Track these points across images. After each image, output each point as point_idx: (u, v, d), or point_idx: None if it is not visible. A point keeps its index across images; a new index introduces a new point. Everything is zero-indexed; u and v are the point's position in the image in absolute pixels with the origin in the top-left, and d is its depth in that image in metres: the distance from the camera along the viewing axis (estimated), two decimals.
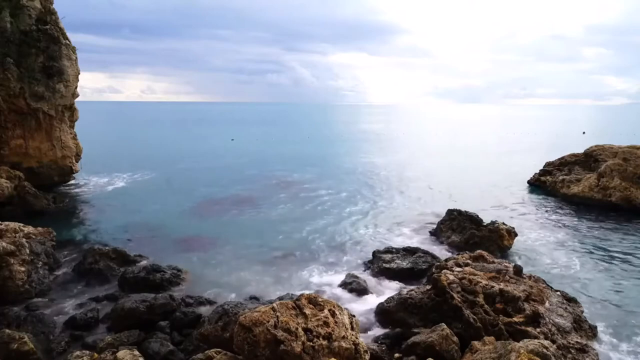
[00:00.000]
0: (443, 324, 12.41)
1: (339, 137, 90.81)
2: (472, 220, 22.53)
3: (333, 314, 10.82)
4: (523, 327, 12.33)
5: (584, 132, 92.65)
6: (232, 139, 75.10)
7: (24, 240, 17.32)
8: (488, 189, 35.87)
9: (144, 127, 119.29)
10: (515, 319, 12.61)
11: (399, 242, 22.55)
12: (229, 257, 20.45)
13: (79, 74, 33.32)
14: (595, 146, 34.93)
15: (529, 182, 37.11)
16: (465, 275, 14.31)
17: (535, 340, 10.34)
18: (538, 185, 35.81)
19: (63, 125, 32.82)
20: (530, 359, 9.19)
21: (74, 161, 34.15)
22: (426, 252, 19.52)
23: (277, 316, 10.24)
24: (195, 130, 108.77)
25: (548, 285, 15.48)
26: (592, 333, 13.54)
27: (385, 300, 14.93)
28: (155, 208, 29.55)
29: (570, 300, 14.94)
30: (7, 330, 12.07)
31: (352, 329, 10.92)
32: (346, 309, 11.85)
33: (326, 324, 10.44)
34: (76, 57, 32.78)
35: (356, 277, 17.39)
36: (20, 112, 30.35)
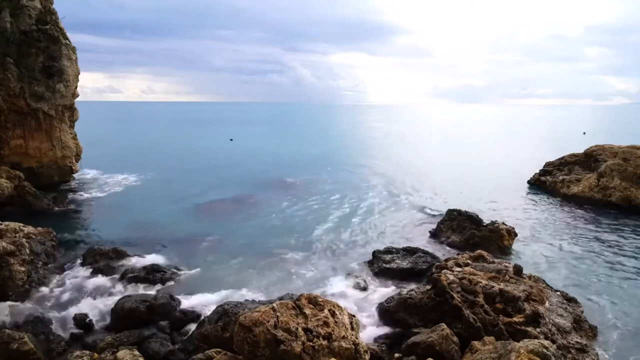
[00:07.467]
0: (443, 324, 12.41)
1: (338, 137, 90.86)
2: (472, 220, 22.54)
3: (333, 314, 10.82)
4: (523, 327, 12.32)
5: (584, 133, 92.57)
6: (231, 139, 75.15)
7: (24, 240, 17.32)
8: (488, 189, 35.85)
9: (144, 127, 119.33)
10: (515, 319, 12.61)
11: (399, 242, 22.55)
12: (229, 257, 20.44)
13: (79, 74, 33.31)
14: (595, 146, 34.94)
15: (529, 182, 37.11)
16: (465, 275, 14.32)
17: (535, 340, 10.33)
18: (538, 185, 35.81)
19: (63, 125, 32.81)
20: (530, 359, 9.19)
21: (74, 161, 34.13)
22: (426, 252, 19.54)
23: (277, 316, 10.24)
24: (195, 130, 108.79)
25: (548, 285, 15.49)
26: (592, 333, 13.53)
27: (386, 300, 14.94)
28: (155, 208, 29.55)
29: (570, 300, 14.94)
30: (7, 330, 12.08)
31: (352, 329, 10.92)
32: (346, 309, 11.84)
33: (326, 324, 10.43)
34: (76, 57, 32.77)
35: (356, 277, 17.42)
36: (20, 112, 30.34)
